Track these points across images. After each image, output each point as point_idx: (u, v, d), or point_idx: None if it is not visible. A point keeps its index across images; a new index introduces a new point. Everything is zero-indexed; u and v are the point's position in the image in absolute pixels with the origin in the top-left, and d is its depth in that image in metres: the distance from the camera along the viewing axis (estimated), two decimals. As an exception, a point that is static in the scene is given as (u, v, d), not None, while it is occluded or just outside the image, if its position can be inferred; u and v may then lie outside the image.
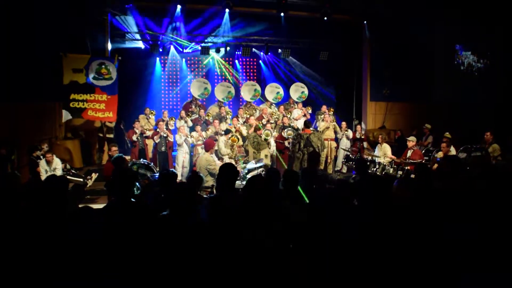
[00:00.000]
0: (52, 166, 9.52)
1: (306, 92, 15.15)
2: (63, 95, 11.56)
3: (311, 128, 11.16)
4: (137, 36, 14.14)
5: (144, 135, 11.86)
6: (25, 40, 11.05)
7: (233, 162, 9.35)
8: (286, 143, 11.65)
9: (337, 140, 13.42)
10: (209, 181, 7.96)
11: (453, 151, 9.14)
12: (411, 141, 10.26)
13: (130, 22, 13.79)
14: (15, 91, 10.85)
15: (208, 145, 8.41)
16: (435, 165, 8.88)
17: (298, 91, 15.12)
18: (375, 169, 9.49)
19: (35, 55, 11.07)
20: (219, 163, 8.54)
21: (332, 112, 13.38)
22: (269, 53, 15.64)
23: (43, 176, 9.15)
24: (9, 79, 10.98)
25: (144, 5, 13.42)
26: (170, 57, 15.49)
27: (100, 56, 12.12)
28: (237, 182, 6.26)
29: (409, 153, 10.07)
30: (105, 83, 11.73)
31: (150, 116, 12.74)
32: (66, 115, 11.66)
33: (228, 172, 4.42)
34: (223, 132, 11.73)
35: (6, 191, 4.18)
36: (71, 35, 11.83)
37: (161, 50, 14.57)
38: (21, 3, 10.71)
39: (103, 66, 11.71)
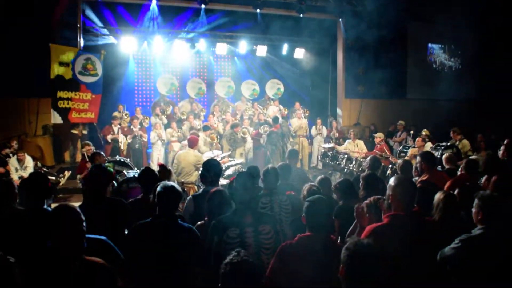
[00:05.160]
0: (23, 165, 9.25)
1: (282, 88, 15.20)
2: (50, 92, 11.11)
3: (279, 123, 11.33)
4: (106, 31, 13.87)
5: (120, 133, 11.63)
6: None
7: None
8: (261, 140, 11.62)
9: (310, 137, 13.52)
10: (194, 176, 7.98)
11: (428, 147, 9.27)
12: (378, 137, 10.57)
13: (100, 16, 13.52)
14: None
15: (193, 142, 8.36)
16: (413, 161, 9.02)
17: (274, 87, 15.16)
18: (351, 165, 9.53)
19: (8, 46, 10.69)
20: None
21: (305, 110, 13.56)
22: (244, 50, 15.52)
23: (13, 175, 8.89)
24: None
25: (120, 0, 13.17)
26: (143, 54, 15.24)
27: (88, 51, 11.81)
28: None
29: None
30: (90, 79, 11.43)
31: (124, 117, 12.41)
32: (56, 117, 11.20)
33: (214, 168, 4.41)
34: (199, 127, 11.65)
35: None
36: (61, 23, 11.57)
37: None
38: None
39: (89, 61, 11.41)
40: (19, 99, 11.88)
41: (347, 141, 11.46)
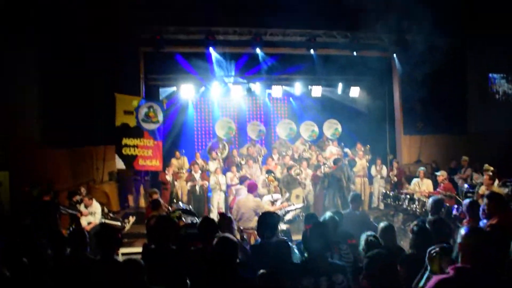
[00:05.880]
0: (91, 210, 9.64)
1: (340, 128, 15.04)
2: (115, 139, 11.68)
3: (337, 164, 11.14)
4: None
5: (176, 178, 11.97)
6: (64, 83, 11.20)
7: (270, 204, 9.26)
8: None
9: (370, 176, 13.25)
10: (254, 222, 8.00)
11: (496, 185, 8.80)
12: (441, 175, 10.11)
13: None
14: (52, 136, 11.13)
15: (252, 187, 8.44)
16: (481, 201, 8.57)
17: (332, 127, 15.03)
18: (414, 206, 9.21)
19: (73, 98, 11.32)
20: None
21: (368, 148, 13.36)
22: (299, 91, 15.67)
23: (82, 220, 9.30)
24: (47, 124, 11.29)
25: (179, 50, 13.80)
26: (201, 99, 15.76)
27: (150, 99, 12.42)
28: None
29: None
30: (152, 126, 11.88)
31: (182, 170, 12.65)
32: (120, 163, 11.73)
33: (269, 224, 4.47)
34: (259, 174, 11.78)
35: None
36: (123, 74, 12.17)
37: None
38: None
39: (151, 109, 11.90)
40: (87, 147, 12.53)
41: (414, 179, 11.13)
